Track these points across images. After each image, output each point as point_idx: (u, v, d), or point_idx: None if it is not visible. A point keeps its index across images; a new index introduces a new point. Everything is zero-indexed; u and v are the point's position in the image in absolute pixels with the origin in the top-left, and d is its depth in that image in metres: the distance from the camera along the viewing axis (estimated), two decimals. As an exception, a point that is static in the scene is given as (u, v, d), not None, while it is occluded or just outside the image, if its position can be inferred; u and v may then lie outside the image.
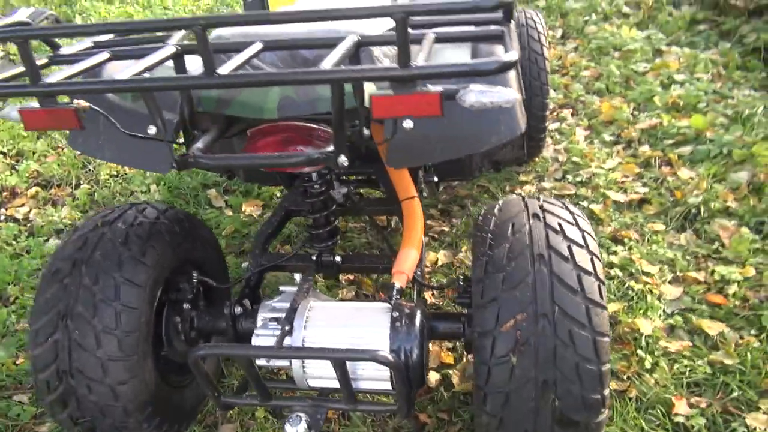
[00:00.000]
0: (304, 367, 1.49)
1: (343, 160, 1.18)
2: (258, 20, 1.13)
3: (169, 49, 1.21)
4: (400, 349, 1.45)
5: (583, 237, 1.41)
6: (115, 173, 3.29)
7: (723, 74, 3.27)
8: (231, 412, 1.90)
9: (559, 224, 1.42)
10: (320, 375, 1.49)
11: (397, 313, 1.49)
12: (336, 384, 1.43)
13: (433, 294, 2.26)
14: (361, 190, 2.37)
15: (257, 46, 1.18)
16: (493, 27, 1.21)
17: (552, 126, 3.18)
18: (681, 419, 1.69)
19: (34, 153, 3.52)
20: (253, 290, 1.83)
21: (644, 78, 3.41)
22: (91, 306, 1.47)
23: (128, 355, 1.50)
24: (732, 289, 2.05)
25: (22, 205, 3.12)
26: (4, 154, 3.55)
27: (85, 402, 1.47)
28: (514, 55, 0.95)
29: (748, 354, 1.81)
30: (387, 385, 1.48)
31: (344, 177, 1.95)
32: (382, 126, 1.36)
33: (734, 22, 3.69)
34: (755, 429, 1.63)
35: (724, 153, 2.65)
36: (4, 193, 3.20)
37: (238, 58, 1.11)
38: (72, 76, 1.14)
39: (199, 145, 1.28)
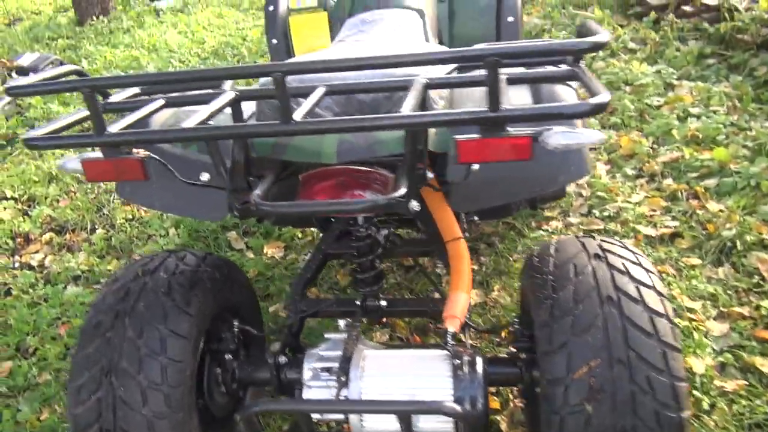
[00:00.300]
0: (362, 420, 1.42)
1: (414, 205, 1.15)
2: (340, 67, 1.08)
3: (228, 95, 1.18)
4: (464, 398, 1.39)
5: (649, 277, 1.37)
6: (130, 217, 3.23)
7: (738, 107, 3.29)
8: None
9: (623, 264, 1.38)
10: (380, 428, 1.42)
11: (458, 361, 1.43)
12: (395, 437, 1.36)
13: (470, 335, 2.20)
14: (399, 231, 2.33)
15: (321, 90, 1.16)
16: (564, 67, 1.19)
17: (572, 161, 3.17)
18: (748, 464, 1.63)
19: (46, 198, 3.46)
20: (295, 338, 1.77)
21: (659, 112, 3.42)
22: (136, 360, 1.40)
23: (175, 412, 1.42)
24: (781, 324, 2.00)
25: (37, 251, 3.05)
26: (16, 199, 3.50)
27: None
28: (606, 96, 0.93)
29: (809, 392, 1.76)
30: (450, 437, 1.41)
31: (384, 219, 1.92)
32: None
33: (743, 55, 3.74)
34: (828, 472, 1.57)
35: (751, 185, 2.64)
36: (18, 240, 3.14)
37: (307, 104, 1.08)
38: (132, 125, 1.10)
39: (258, 192, 1.24)
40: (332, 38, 2.44)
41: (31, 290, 2.72)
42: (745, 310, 2.12)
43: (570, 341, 1.28)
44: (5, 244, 3.09)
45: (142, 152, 1.09)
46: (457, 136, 0.95)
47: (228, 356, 1.66)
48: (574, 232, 2.72)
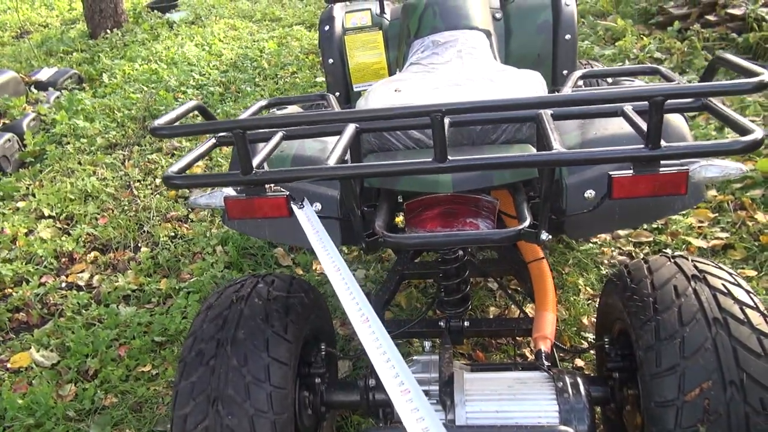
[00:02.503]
0: (469, 444, 1.43)
1: (545, 236, 1.16)
2: (497, 107, 1.07)
3: (351, 128, 1.19)
4: (571, 420, 1.40)
5: (750, 297, 1.39)
6: (173, 234, 3.24)
7: (774, 116, 3.34)
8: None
9: (723, 285, 1.40)
10: (487, 453, 1.43)
11: (561, 383, 1.44)
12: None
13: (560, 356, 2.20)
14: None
15: (446, 122, 1.17)
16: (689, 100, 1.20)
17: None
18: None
19: (85, 216, 3.46)
20: (379, 359, 1.77)
21: (696, 122, 3.46)
22: (242, 388, 1.41)
23: (280, 439, 1.43)
24: None
25: (82, 270, 3.05)
26: (54, 218, 3.50)
27: None
28: (760, 133, 0.95)
29: None
30: (558, 461, 1.42)
31: None
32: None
33: (772, 64, 3.79)
34: None
35: (800, 196, 2.68)
36: (63, 259, 3.13)
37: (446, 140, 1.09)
38: (263, 161, 1.11)
39: (380, 223, 1.25)
40: (387, 56, 2.46)
41: (84, 311, 2.71)
42: (809, 322, 2.14)
43: (680, 363, 1.29)
44: (50, 264, 3.09)
45: (274, 188, 1.11)
46: (613, 173, 0.97)
47: (317, 380, 1.67)
48: (622, 244, 2.74)
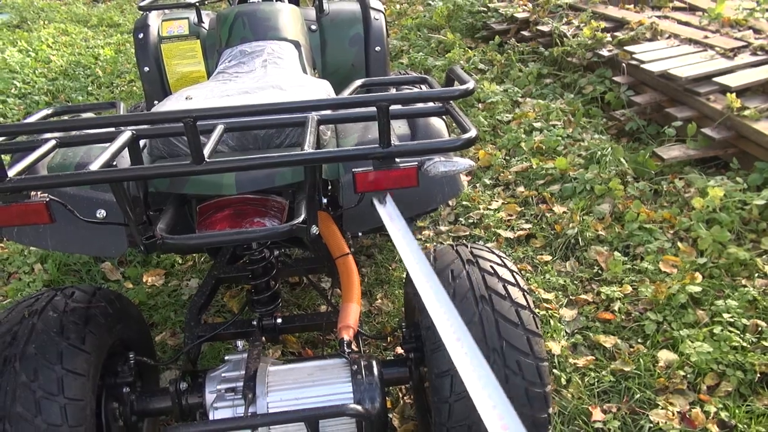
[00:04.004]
0: (270, 432, 1.50)
1: (315, 230, 1.26)
2: (246, 113, 1.15)
3: (126, 134, 1.21)
4: (363, 399, 1.52)
5: (513, 276, 1.60)
6: (-16, 255, 2.98)
7: (572, 121, 3.80)
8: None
9: (491, 267, 1.60)
10: (289, 438, 1.51)
11: (356, 366, 1.56)
12: (303, 445, 1.46)
13: (365, 342, 2.35)
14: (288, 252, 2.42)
15: (221, 128, 1.23)
16: (435, 104, 1.38)
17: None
18: (599, 425, 1.93)
19: None
20: (194, 363, 1.79)
21: (509, 126, 3.84)
22: (32, 404, 1.37)
23: (77, 451, 1.40)
24: (616, 305, 2.38)
25: None
26: None
27: None
28: (474, 132, 1.12)
29: (640, 360, 2.12)
30: (354, 436, 1.54)
31: (276, 241, 2.00)
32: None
33: (572, 76, 4.30)
34: (658, 423, 1.91)
35: (587, 189, 3.08)
36: None
37: (211, 142, 1.15)
38: (27, 168, 1.10)
39: (162, 226, 1.28)
40: (206, 65, 2.48)
41: None
42: (589, 297, 2.49)
43: None
44: None
45: (40, 195, 1.10)
46: (354, 169, 1.09)
47: (125, 389, 1.65)
48: (444, 239, 2.99)
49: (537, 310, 2.37)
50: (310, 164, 1.18)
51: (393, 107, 1.38)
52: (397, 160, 1.12)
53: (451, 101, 1.30)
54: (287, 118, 1.26)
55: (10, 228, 1.38)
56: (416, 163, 1.11)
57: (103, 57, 5.71)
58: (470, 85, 1.20)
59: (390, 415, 2.05)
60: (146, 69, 2.42)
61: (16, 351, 1.42)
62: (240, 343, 1.72)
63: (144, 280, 2.80)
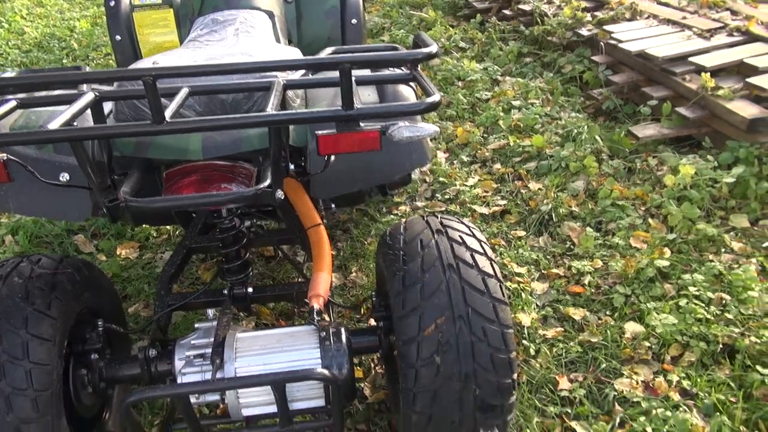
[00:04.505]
0: (238, 397, 1.51)
1: (280, 194, 1.26)
2: (209, 71, 1.14)
3: (89, 96, 1.20)
4: (331, 365, 1.54)
5: (481, 245, 1.62)
6: (-45, 227, 2.94)
7: (551, 99, 3.81)
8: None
9: (460, 236, 1.61)
10: (255, 403, 1.52)
11: (324, 333, 1.58)
12: (271, 409, 1.48)
13: (339, 313, 2.37)
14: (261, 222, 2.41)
15: (185, 91, 1.22)
16: (403, 71, 1.38)
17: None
18: (565, 393, 1.98)
19: None
20: (163, 332, 1.80)
21: (488, 104, 3.85)
22: None
23: (43, 415, 1.41)
24: (587, 279, 2.42)
25: None
26: None
27: None
28: (437, 96, 1.12)
29: (608, 331, 2.17)
30: (321, 402, 1.55)
31: (247, 210, 2.00)
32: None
33: (552, 55, 4.31)
34: (622, 391, 1.96)
35: (562, 166, 3.11)
36: None
37: (173, 105, 1.14)
38: None
39: (126, 189, 1.27)
40: (180, 35, 2.45)
41: None
42: (561, 271, 2.52)
43: (420, 304, 1.48)
44: None
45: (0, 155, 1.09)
46: (318, 132, 1.09)
47: (94, 356, 1.65)
48: (420, 214, 3.00)
49: (509, 284, 2.41)
50: (272, 125, 1.18)
51: (359, 73, 1.39)
52: (362, 123, 1.13)
53: (417, 67, 1.30)
54: (253, 82, 1.25)
55: None
56: (380, 126, 1.11)
57: (78, 29, 5.59)
58: (433, 48, 1.21)
59: (361, 385, 2.08)
60: (118, 38, 2.38)
61: None
62: (211, 312, 1.73)
63: (117, 253, 2.78)
